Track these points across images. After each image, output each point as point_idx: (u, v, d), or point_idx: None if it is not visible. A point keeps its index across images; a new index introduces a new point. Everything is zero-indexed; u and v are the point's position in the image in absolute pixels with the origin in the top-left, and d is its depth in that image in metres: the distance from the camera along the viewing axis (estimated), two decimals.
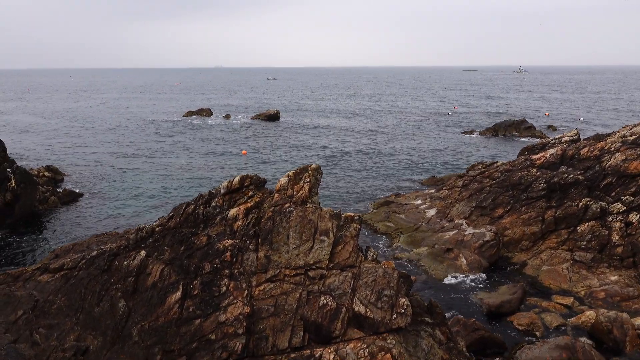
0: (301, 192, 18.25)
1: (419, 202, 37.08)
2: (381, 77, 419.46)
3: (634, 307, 22.76)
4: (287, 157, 60.08)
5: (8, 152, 37.11)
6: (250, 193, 19.69)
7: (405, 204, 37.07)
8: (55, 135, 78.53)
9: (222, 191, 19.83)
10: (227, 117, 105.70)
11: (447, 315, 21.56)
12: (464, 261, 27.32)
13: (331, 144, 70.23)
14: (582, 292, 24.54)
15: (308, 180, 18.65)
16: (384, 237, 32.42)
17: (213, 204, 19.87)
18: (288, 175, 19.04)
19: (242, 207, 18.87)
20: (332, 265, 16.13)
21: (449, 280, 26.04)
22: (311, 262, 16.28)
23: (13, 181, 34.15)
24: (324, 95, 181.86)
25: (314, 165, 19.30)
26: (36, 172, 43.54)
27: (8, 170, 34.50)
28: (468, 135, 78.48)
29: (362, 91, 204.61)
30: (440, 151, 63.92)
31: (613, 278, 24.96)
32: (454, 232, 30.72)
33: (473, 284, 25.75)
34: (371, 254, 16.54)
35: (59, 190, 42.03)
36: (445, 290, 24.97)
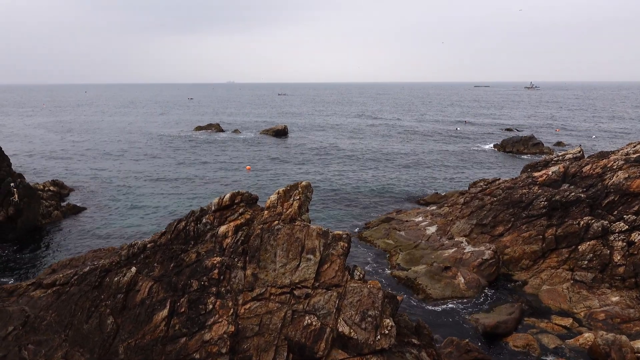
0: (290, 209, 18.19)
1: (420, 219, 36.78)
2: (390, 93, 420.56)
3: (634, 330, 22.19)
4: (290, 173, 60.16)
5: (18, 165, 37.52)
6: (241, 210, 19.68)
7: (406, 221, 36.78)
8: (64, 149, 79.59)
9: (213, 208, 19.85)
10: (236, 132, 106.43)
11: (441, 335, 21.23)
12: (462, 280, 26.92)
13: (334, 160, 70.26)
14: (582, 313, 24.01)
15: (298, 197, 18.60)
16: (383, 254, 32.13)
17: (204, 220, 19.88)
18: (278, 193, 19.03)
19: (232, 224, 18.85)
20: (317, 284, 15.98)
21: (445, 299, 25.64)
22: (297, 280, 16.14)
23: (16, 195, 34.54)
24: (332, 111, 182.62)
25: (304, 183, 19.26)
26: (41, 187, 44.02)
27: (11, 184, 34.91)
28: (475, 151, 78.08)
29: (370, 107, 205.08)
30: (446, 167, 63.61)
31: (614, 299, 24.40)
32: (453, 250, 30.35)
33: (470, 303, 25.33)
34: (358, 272, 16.35)
35: (63, 204, 42.41)
36: (441, 310, 24.59)
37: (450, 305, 25.08)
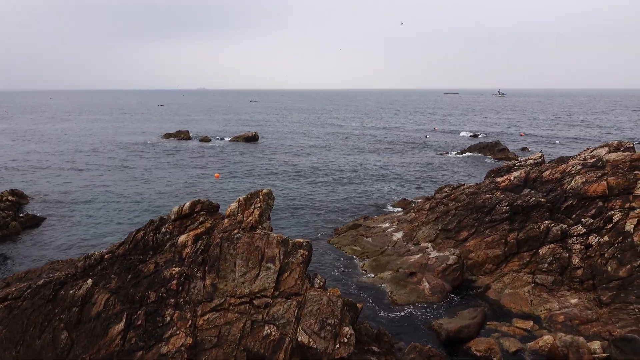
0: (251, 217, 17.98)
1: (387, 225, 36.97)
2: (362, 100, 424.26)
3: (592, 331, 22.71)
4: (259, 181, 59.74)
5: None
6: (201, 219, 19.35)
7: (373, 227, 36.92)
8: (25, 157, 77.06)
9: (173, 217, 19.47)
10: (206, 139, 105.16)
11: (405, 341, 21.28)
12: (427, 285, 27.11)
13: (305, 167, 70.19)
14: (543, 316, 24.47)
15: (259, 205, 18.40)
16: (350, 261, 32.13)
17: (163, 230, 19.46)
18: (239, 201, 18.79)
19: (192, 233, 18.50)
20: (277, 293, 15.78)
21: (410, 305, 25.76)
22: (256, 290, 15.91)
23: None
24: (302, 118, 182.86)
25: (265, 190, 19.08)
26: None
27: None
28: (444, 157, 79.25)
29: (339, 114, 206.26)
30: (414, 174, 64.31)
31: (573, 301, 24.97)
32: (418, 256, 30.59)
33: (434, 308, 25.52)
34: (318, 280, 16.24)
35: (22, 215, 40.93)
36: (406, 316, 24.68)
37: (415, 311, 25.21)
